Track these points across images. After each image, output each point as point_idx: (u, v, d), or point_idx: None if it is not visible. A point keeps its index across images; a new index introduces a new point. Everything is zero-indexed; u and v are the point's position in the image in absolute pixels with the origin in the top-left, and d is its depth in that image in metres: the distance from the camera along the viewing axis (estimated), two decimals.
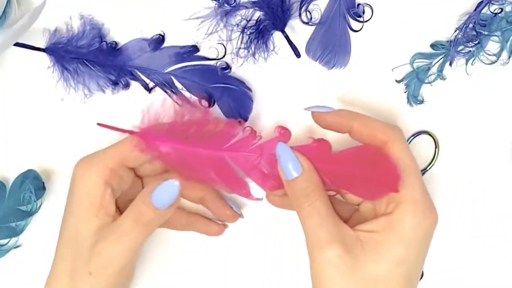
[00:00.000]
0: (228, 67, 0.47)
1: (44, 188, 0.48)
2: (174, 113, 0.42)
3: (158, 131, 0.41)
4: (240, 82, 0.47)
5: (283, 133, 0.43)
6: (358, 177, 0.41)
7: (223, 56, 0.47)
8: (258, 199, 0.45)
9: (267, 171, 0.43)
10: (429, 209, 0.39)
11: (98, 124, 0.40)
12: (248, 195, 0.44)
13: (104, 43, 0.47)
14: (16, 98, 0.49)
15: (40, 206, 0.48)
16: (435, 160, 0.48)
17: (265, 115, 0.48)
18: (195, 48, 0.47)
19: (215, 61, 0.47)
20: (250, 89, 0.47)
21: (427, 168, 0.48)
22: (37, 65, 0.47)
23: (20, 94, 0.48)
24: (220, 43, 0.47)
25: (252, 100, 0.47)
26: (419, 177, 0.40)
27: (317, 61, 0.47)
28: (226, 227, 0.47)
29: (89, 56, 0.47)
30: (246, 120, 0.47)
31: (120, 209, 0.43)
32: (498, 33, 0.46)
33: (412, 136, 0.48)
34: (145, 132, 0.41)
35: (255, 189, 0.44)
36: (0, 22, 0.46)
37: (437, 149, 0.48)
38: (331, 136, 0.44)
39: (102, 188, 0.41)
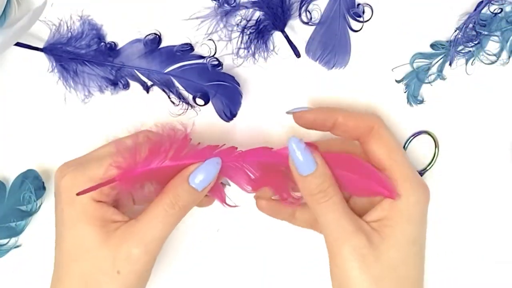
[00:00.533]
0: (219, 64, 0.47)
1: (44, 188, 0.48)
2: (150, 147, 0.41)
3: (136, 165, 0.40)
4: (231, 77, 0.47)
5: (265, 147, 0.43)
6: (351, 179, 0.41)
7: (215, 53, 0.47)
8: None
9: (250, 172, 0.43)
10: (422, 184, 0.41)
11: (77, 194, 0.40)
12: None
13: (103, 43, 0.47)
14: (16, 98, 0.49)
15: (40, 206, 0.48)
16: (435, 160, 0.48)
17: (265, 115, 0.48)
18: (191, 47, 0.47)
19: (208, 58, 0.47)
20: (238, 84, 0.47)
21: (427, 168, 0.48)
22: (37, 65, 0.47)
23: (20, 94, 0.48)
24: (210, 39, 0.47)
25: (241, 95, 0.47)
26: (406, 157, 0.42)
27: (317, 61, 0.47)
28: (214, 200, 0.46)
29: (88, 57, 0.47)
30: (235, 115, 0.47)
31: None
32: (498, 33, 0.46)
33: (412, 136, 0.48)
34: (124, 175, 0.40)
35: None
36: (0, 22, 0.46)
37: (437, 149, 0.48)
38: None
39: (95, 205, 0.40)
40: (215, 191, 0.43)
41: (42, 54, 0.46)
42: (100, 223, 0.40)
